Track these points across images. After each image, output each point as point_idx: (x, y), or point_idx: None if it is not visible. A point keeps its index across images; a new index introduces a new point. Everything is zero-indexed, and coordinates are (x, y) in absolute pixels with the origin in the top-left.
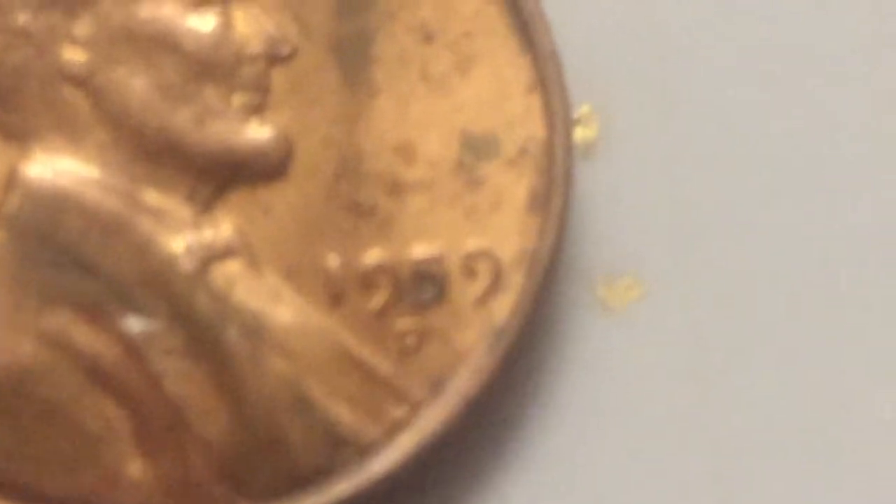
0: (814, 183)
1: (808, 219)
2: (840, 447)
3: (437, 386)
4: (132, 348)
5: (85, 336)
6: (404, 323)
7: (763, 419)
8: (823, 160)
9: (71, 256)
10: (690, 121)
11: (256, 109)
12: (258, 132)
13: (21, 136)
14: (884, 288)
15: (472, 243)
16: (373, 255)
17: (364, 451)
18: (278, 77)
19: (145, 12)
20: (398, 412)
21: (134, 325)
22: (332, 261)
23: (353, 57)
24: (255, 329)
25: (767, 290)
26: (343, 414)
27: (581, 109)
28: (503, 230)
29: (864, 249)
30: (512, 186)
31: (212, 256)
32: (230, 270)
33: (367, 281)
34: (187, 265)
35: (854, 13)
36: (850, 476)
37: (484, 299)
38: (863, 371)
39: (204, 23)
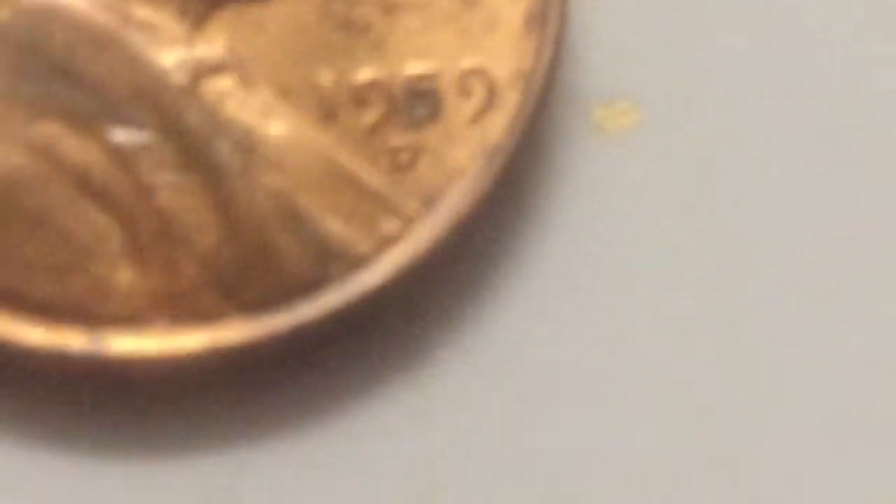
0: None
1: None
2: (839, 297)
3: (429, 202)
4: (122, 160)
5: (75, 147)
6: (397, 139)
7: (757, 248)
8: None
9: (61, 69)
10: None
11: None
12: None
13: None
14: None
15: (467, 62)
16: (366, 73)
17: (355, 263)
18: None
19: None
20: (390, 227)
21: (124, 137)
22: (325, 78)
23: None
24: (247, 143)
25: (765, 123)
26: (335, 227)
27: None
28: (498, 50)
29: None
30: (507, 7)
31: (203, 71)
32: (222, 85)
33: (360, 97)
34: (178, 79)
35: None
36: (846, 325)
37: (478, 117)
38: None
39: None
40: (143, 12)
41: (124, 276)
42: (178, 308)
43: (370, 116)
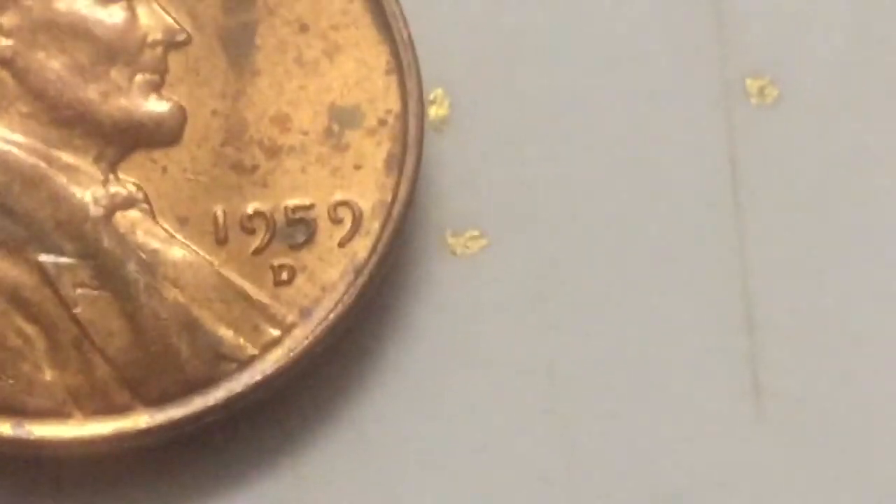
0: (636, 157)
1: (627, 187)
2: (655, 377)
3: (305, 313)
4: (47, 279)
5: (7, 269)
6: (279, 260)
7: (594, 350)
8: (643, 138)
9: None
10: (528, 100)
11: (156, 87)
12: (157, 105)
13: None
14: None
15: (338, 195)
16: (253, 206)
17: (243, 364)
18: (174, 61)
19: (63, 5)
20: (272, 333)
21: (49, 259)
22: (219, 211)
23: (238, 45)
24: (152, 264)
25: (592, 242)
26: (226, 334)
27: (435, 91)
28: (364, 186)
29: (676, 196)
30: (372, 150)
31: (116, 206)
32: (131, 218)
33: (248, 226)
34: (95, 212)
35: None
36: (678, 410)
37: (347, 241)
38: (687, 311)
39: (112, 15)
40: (66, 157)
41: (48, 375)
42: (93, 402)
43: (256, 241)
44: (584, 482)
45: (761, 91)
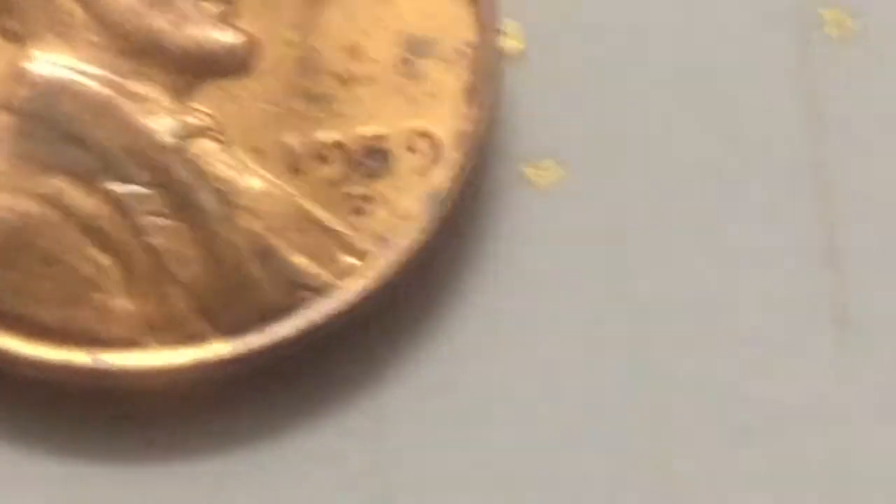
0: (711, 92)
1: (703, 122)
2: (745, 321)
3: (383, 242)
4: (119, 208)
5: (78, 198)
6: (355, 190)
7: (676, 289)
8: (717, 72)
9: (67, 133)
10: (603, 34)
11: (225, 17)
12: (227, 35)
13: (21, 39)
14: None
15: (414, 124)
16: (327, 135)
17: (320, 292)
18: None
19: None
20: (349, 261)
21: (121, 189)
22: (292, 140)
23: None
24: (226, 193)
25: (669, 176)
26: (302, 262)
27: (510, 24)
28: (441, 115)
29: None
30: (448, 80)
31: (188, 134)
32: (204, 147)
33: (322, 155)
34: (167, 140)
35: None
36: (759, 343)
37: (424, 171)
38: (767, 245)
39: None
40: (136, 87)
41: (122, 304)
42: (169, 331)
43: (331, 171)
44: (665, 416)
45: (840, 23)
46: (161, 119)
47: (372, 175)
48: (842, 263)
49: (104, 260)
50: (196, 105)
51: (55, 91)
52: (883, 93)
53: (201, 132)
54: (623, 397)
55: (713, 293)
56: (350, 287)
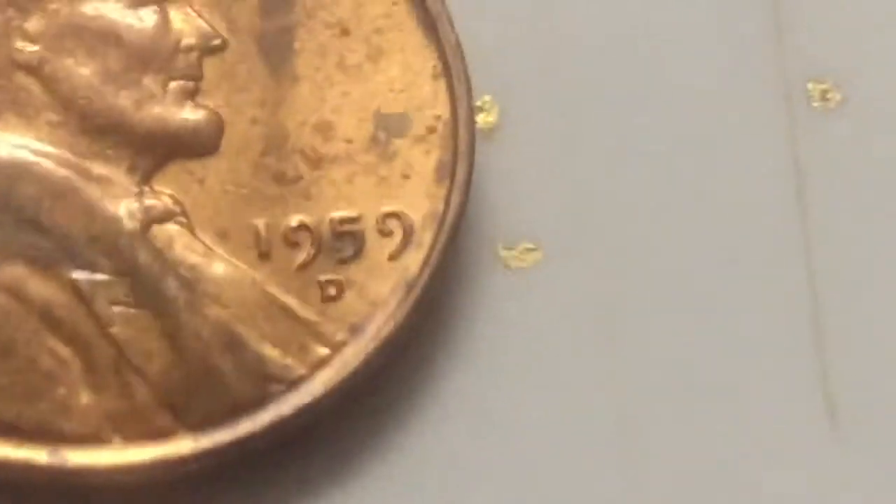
0: (695, 164)
1: (686, 196)
2: (736, 398)
3: (356, 330)
4: (81, 297)
5: (39, 287)
6: (326, 276)
7: (663, 373)
8: (701, 143)
9: (26, 218)
10: (579, 107)
11: (191, 94)
12: (192, 114)
13: None
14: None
15: (387, 207)
16: (296, 218)
17: (291, 385)
18: (210, 67)
19: (91, 9)
20: (321, 352)
21: (82, 277)
22: (260, 223)
23: (276, 49)
24: (192, 280)
25: (652, 254)
26: (272, 353)
27: (483, 98)
28: (414, 196)
29: (751, 212)
30: (421, 159)
31: (152, 219)
32: (168, 231)
33: (292, 240)
34: (130, 225)
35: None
36: (748, 424)
37: (397, 255)
38: (752, 322)
39: (143, 19)
40: (97, 169)
41: (84, 399)
42: (133, 427)
43: (301, 256)
44: None
45: (823, 95)
46: (124, 203)
47: (343, 260)
48: (830, 349)
49: (64, 352)
50: (160, 187)
51: (13, 174)
52: (868, 161)
53: (166, 216)
54: (611, 488)
55: (701, 377)
56: (321, 379)
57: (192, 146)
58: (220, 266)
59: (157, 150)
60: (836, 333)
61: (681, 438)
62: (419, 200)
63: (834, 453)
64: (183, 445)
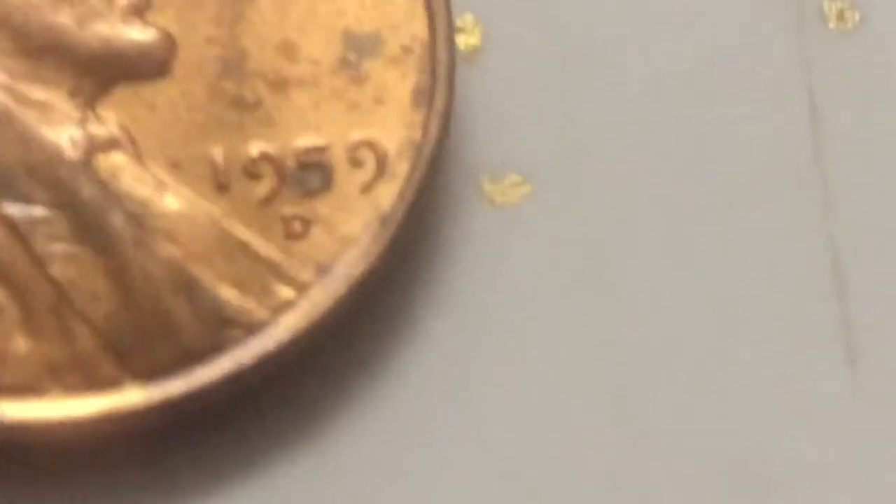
0: (697, 92)
1: (689, 127)
2: (747, 349)
3: (323, 270)
4: (16, 234)
5: None
6: (290, 210)
7: (657, 316)
8: (688, 71)
9: None
10: (571, 28)
11: (139, 11)
12: (141, 32)
13: None
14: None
15: (357, 134)
16: (257, 147)
17: (251, 330)
18: None
19: None
20: (285, 294)
21: (18, 211)
22: (217, 153)
23: None
24: (141, 215)
25: (651, 190)
26: (230, 295)
27: (465, 17)
28: (388, 123)
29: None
30: (396, 82)
31: (96, 148)
32: (115, 161)
33: (252, 170)
34: (71, 154)
35: None
36: (745, 373)
37: (369, 187)
38: (761, 265)
39: None
40: (36, 93)
41: (20, 345)
42: (75, 376)
43: (262, 188)
44: (653, 470)
45: (840, 15)
46: (65, 130)
47: (309, 193)
48: (850, 296)
49: None
50: (105, 113)
51: None
52: (890, 91)
53: (111, 145)
54: (601, 455)
55: (706, 330)
56: (285, 323)
57: (141, 68)
58: (172, 200)
59: (101, 73)
60: (856, 277)
61: (682, 389)
62: (394, 128)
63: (855, 405)
64: (131, 396)
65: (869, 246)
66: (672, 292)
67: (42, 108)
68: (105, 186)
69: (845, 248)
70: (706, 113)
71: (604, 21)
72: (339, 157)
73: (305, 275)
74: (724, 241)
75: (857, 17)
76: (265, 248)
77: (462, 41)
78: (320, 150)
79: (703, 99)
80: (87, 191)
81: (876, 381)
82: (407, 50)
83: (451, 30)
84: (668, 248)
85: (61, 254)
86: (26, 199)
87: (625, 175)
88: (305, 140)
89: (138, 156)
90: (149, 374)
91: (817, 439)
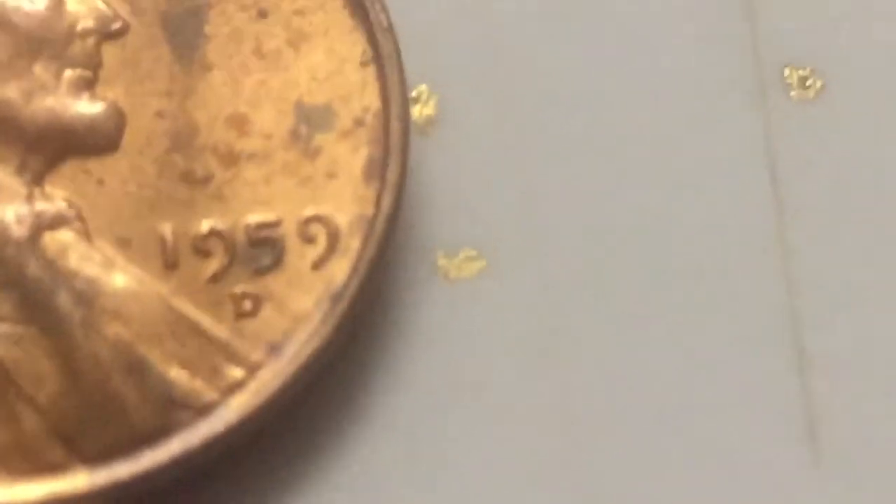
0: (658, 161)
1: (648, 197)
2: (688, 418)
3: (274, 349)
4: None
5: None
6: (241, 287)
7: (613, 389)
8: (647, 142)
9: None
10: (526, 99)
11: (88, 85)
12: (89, 106)
13: None
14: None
15: (309, 210)
16: (208, 223)
17: (201, 412)
18: (110, 53)
19: None
20: (235, 374)
21: None
22: (166, 230)
23: (185, 34)
24: (88, 294)
25: (608, 262)
26: (179, 376)
27: (419, 88)
28: (340, 197)
29: (703, 217)
30: (348, 156)
31: (43, 225)
32: (62, 239)
33: (202, 247)
34: (18, 233)
35: None
36: (703, 447)
37: (321, 263)
38: (720, 335)
39: (34, 0)
40: None
41: None
42: (23, 462)
43: (212, 266)
44: None
45: (802, 82)
46: (11, 207)
47: (260, 270)
48: (810, 367)
49: None
50: (53, 189)
51: None
52: (852, 157)
53: (59, 222)
54: None
55: (662, 397)
56: (235, 405)
57: (90, 142)
58: (120, 278)
59: (49, 148)
60: (817, 348)
61: (639, 466)
62: (346, 203)
63: (814, 482)
64: (77, 481)
65: (830, 317)
66: (630, 364)
67: None
68: (52, 265)
69: (807, 319)
70: (666, 183)
71: (560, 92)
72: (290, 233)
73: (256, 355)
74: (684, 313)
75: (818, 85)
76: (215, 327)
77: (416, 111)
78: (271, 225)
79: (663, 169)
80: (33, 269)
81: (835, 453)
82: (359, 122)
83: (405, 100)
84: (626, 320)
85: (7, 334)
86: None
87: (580, 248)
88: (256, 216)
89: (86, 233)
90: (96, 458)
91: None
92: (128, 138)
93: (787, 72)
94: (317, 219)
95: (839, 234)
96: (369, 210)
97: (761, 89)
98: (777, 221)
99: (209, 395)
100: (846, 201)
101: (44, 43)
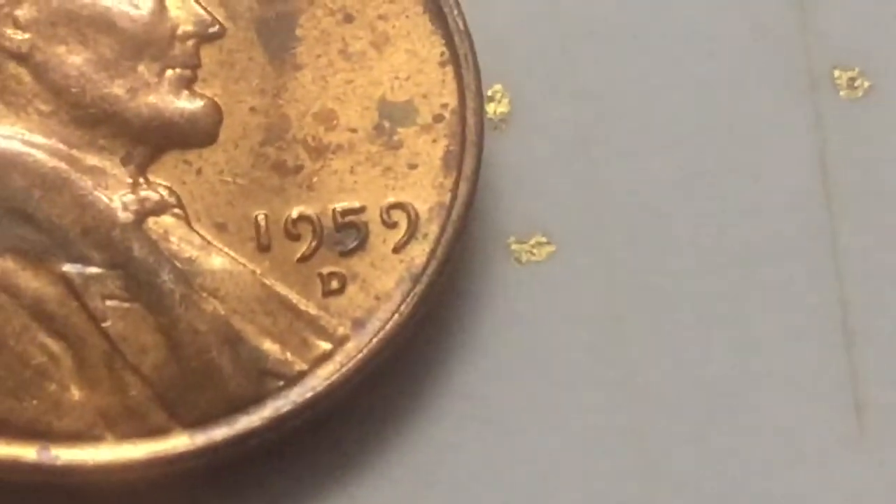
0: (715, 156)
1: (707, 188)
2: (744, 394)
3: (358, 325)
4: (73, 291)
5: (30, 280)
6: (328, 268)
7: (675, 366)
8: (705, 137)
9: (17, 210)
10: (595, 97)
11: (188, 83)
12: (189, 102)
13: None
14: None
15: (391, 197)
16: (298, 210)
17: (291, 381)
18: (208, 55)
19: None
20: (322, 347)
21: (74, 270)
22: (260, 215)
23: (277, 37)
24: (188, 274)
25: (670, 248)
26: (270, 348)
27: (494, 87)
28: (420, 186)
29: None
30: (427, 148)
31: (146, 211)
32: (164, 223)
33: (293, 232)
34: (124, 217)
35: None
36: (757, 421)
37: (402, 247)
38: (775, 321)
39: (139, 6)
40: (90, 160)
41: (75, 395)
42: (126, 424)
43: (302, 248)
44: None
45: (851, 83)
46: (118, 194)
47: (346, 252)
48: (858, 345)
49: (56, 347)
50: (156, 179)
51: (2, 165)
52: (890, 149)
53: (161, 208)
54: (621, 495)
55: (720, 378)
56: (322, 375)
57: (189, 136)
58: (217, 259)
59: (152, 141)
60: (866, 335)
61: (697, 439)
62: (425, 191)
63: (861, 456)
64: (178, 443)
65: (876, 301)
66: (689, 344)
67: (96, 173)
68: (155, 247)
69: (854, 303)
70: (724, 175)
71: (624, 90)
72: (373, 219)
73: (342, 329)
74: (741, 296)
75: (866, 85)
76: (304, 304)
77: (491, 109)
78: (356, 212)
79: (720, 162)
80: (138, 251)
81: (880, 426)
82: (438, 118)
83: (481, 99)
84: (686, 301)
85: (114, 309)
86: (82, 259)
87: (644, 234)
88: (342, 203)
89: (186, 218)
90: (195, 422)
91: (825, 481)
92: (224, 132)
93: (836, 73)
94: (398, 206)
95: (884, 224)
96: (447, 198)
97: (812, 89)
98: (827, 212)
99: (299, 365)
100: (891, 194)
101: (147, 45)
